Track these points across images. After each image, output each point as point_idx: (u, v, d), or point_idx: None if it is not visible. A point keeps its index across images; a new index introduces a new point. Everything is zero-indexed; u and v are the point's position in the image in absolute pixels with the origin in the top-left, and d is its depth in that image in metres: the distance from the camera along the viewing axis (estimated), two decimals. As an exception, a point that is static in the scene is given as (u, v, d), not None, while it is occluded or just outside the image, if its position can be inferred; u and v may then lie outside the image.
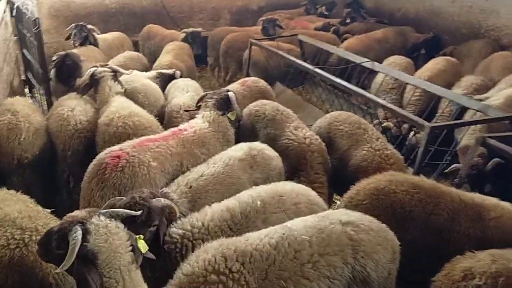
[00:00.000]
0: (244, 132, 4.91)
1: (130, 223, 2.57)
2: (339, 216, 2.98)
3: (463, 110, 5.73)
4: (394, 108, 5.11)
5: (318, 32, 9.98)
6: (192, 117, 5.00)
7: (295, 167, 4.37)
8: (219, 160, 3.85)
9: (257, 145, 4.17)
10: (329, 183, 4.42)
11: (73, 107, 5.02)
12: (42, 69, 6.47)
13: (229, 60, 9.47)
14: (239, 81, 6.26)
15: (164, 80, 6.44)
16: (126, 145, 3.88)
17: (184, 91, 5.78)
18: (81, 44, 7.65)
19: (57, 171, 4.87)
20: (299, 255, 2.68)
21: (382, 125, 6.17)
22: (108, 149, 3.85)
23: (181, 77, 6.55)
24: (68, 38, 7.93)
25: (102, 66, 5.36)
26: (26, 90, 7.99)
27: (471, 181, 4.40)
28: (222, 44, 9.46)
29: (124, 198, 2.98)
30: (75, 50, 7.05)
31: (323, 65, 8.81)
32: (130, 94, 5.43)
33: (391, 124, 6.26)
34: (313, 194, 3.52)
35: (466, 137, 5.27)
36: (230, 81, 9.74)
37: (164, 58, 7.50)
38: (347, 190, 4.40)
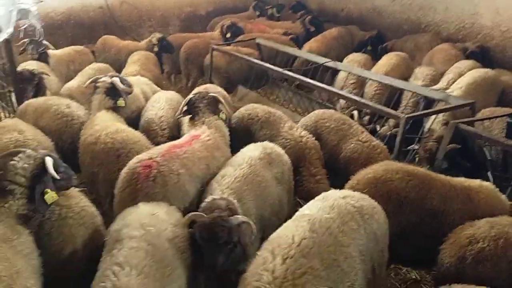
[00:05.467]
0: (239, 135, 5.15)
1: (212, 243, 3.11)
2: (335, 194, 3.46)
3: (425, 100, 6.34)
4: (369, 103, 5.59)
5: (272, 35, 10.37)
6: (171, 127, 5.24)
7: (294, 165, 4.69)
8: (242, 161, 4.06)
9: (267, 144, 4.47)
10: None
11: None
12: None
13: (190, 66, 9.61)
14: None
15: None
16: (155, 153, 3.99)
17: (156, 102, 5.84)
18: (40, 56, 7.64)
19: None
20: (333, 228, 3.05)
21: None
22: (137, 157, 3.96)
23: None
24: (22, 52, 7.86)
25: (111, 76, 5.42)
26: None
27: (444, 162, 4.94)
28: (182, 51, 9.57)
29: (205, 215, 3.24)
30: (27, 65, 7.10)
31: (281, 66, 9.26)
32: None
33: (355, 113, 6.73)
34: None
35: (435, 123, 5.89)
36: (192, 87, 9.90)
37: (131, 68, 7.54)
38: (341, 180, 4.87)
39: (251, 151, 4.27)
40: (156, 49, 9.29)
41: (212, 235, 3.17)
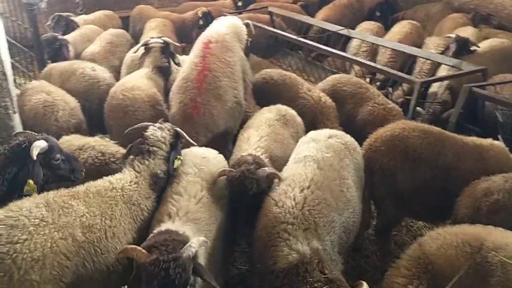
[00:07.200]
0: (258, 99, 5.35)
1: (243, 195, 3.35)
2: (321, 135, 3.88)
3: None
4: (386, 69, 5.76)
5: (283, 4, 10.41)
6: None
7: (311, 123, 4.91)
8: (261, 124, 4.33)
9: (281, 107, 4.70)
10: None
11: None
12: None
13: (203, 35, 9.68)
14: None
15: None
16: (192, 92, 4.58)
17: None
18: (64, 33, 7.64)
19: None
20: (335, 165, 3.51)
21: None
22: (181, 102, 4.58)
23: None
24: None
25: (160, 37, 5.80)
26: None
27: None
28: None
29: (234, 170, 3.44)
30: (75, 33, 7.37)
31: (293, 35, 9.34)
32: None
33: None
34: None
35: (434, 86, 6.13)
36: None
37: (151, 34, 7.64)
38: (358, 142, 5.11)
39: (267, 113, 4.55)
40: (201, 22, 9.27)
41: (242, 188, 3.37)
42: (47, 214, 2.76)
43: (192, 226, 2.95)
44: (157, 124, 3.72)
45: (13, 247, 2.53)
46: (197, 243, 2.62)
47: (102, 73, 5.76)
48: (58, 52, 6.62)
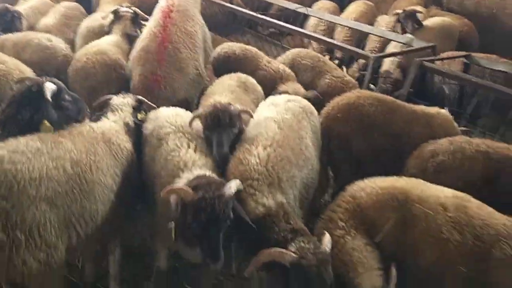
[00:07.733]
0: (221, 72, 5.42)
1: (215, 126, 3.49)
2: (281, 99, 4.09)
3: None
4: (342, 45, 5.99)
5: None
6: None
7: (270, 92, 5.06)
8: (224, 89, 4.50)
9: (241, 74, 4.91)
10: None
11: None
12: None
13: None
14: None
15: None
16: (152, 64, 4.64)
17: None
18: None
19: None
20: (294, 126, 3.74)
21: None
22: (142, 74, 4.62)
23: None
24: None
25: (128, 7, 5.98)
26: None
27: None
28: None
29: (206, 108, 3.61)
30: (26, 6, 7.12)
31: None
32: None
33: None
34: None
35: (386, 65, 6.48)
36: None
37: (107, 7, 7.49)
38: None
39: (228, 80, 4.72)
40: None
41: (216, 122, 3.52)
42: (42, 146, 2.98)
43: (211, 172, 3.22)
44: (120, 95, 3.99)
45: (15, 167, 2.78)
46: (235, 185, 2.94)
47: (59, 43, 5.64)
48: (10, 24, 6.37)
